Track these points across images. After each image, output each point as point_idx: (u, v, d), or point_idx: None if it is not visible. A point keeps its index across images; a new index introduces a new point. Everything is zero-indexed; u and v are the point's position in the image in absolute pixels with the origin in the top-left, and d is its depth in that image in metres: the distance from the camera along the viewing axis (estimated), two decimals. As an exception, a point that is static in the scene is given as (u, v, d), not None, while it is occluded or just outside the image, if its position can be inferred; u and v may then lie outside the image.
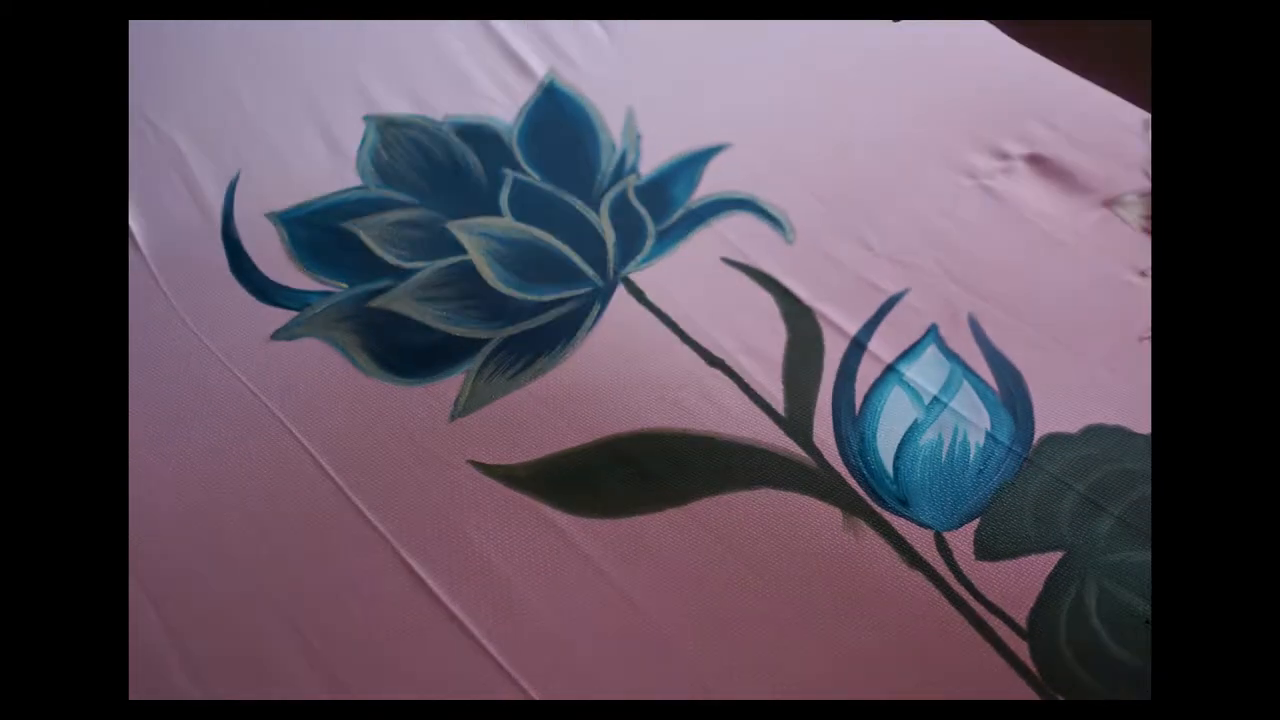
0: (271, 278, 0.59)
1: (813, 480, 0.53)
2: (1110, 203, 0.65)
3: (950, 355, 0.58)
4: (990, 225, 0.64)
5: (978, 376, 0.57)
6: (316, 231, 0.61)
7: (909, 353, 0.58)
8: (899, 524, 0.52)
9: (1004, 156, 0.68)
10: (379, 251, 0.60)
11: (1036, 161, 0.67)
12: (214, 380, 0.55)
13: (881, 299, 0.60)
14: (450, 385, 0.55)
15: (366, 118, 0.67)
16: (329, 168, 0.64)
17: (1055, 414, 0.56)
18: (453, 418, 0.54)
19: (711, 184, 0.65)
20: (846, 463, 0.54)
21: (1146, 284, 0.61)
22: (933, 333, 0.59)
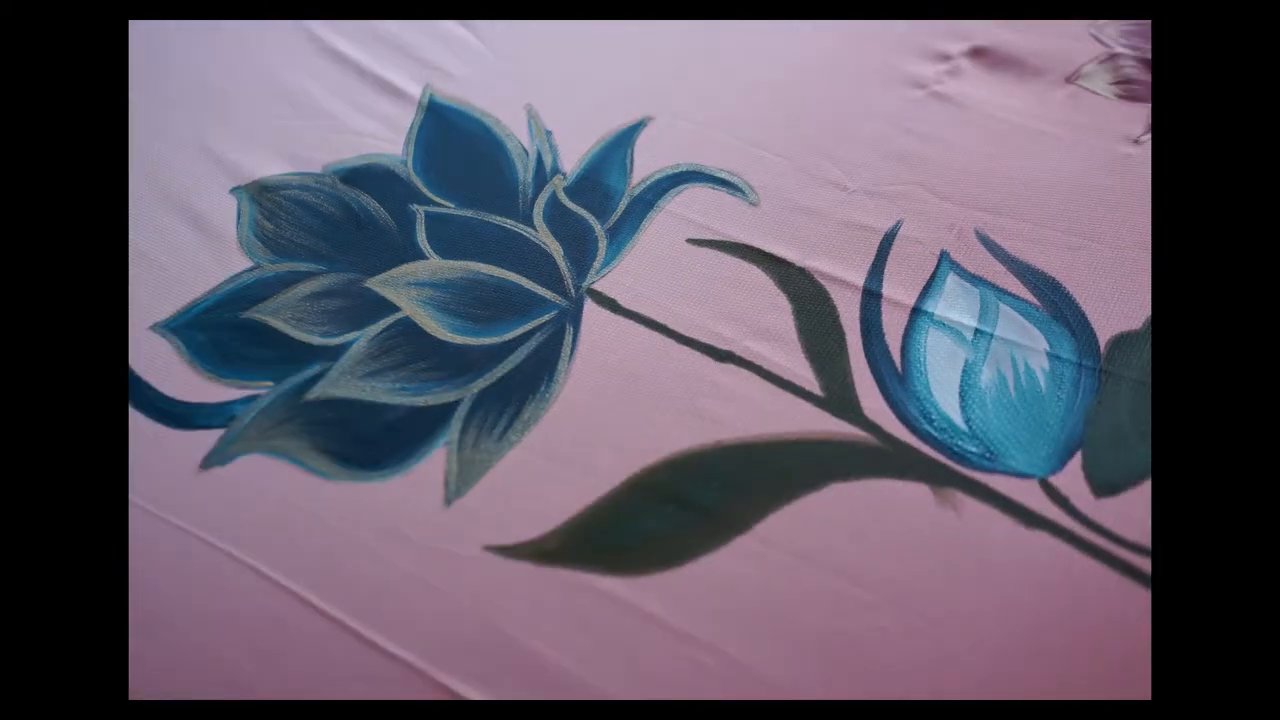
0: (178, 398, 0.48)
1: (882, 460, 0.45)
2: (1072, 78, 0.59)
3: (974, 279, 0.51)
4: (958, 132, 0.57)
5: (1012, 295, 0.50)
6: (216, 332, 0.50)
7: (929, 288, 0.51)
8: (996, 482, 0.44)
9: (945, 58, 0.61)
10: (297, 334, 0.50)
11: (980, 55, 0.61)
12: (149, 536, 0.44)
13: (876, 239, 0.53)
14: (433, 465, 0.46)
15: (235, 190, 0.56)
16: (207, 256, 0.54)
17: (1111, 313, 0.49)
18: (449, 501, 0.44)
19: (647, 164, 0.57)
20: (912, 429, 0.46)
21: (1143, 151, 0.55)
22: (945, 260, 0.52)
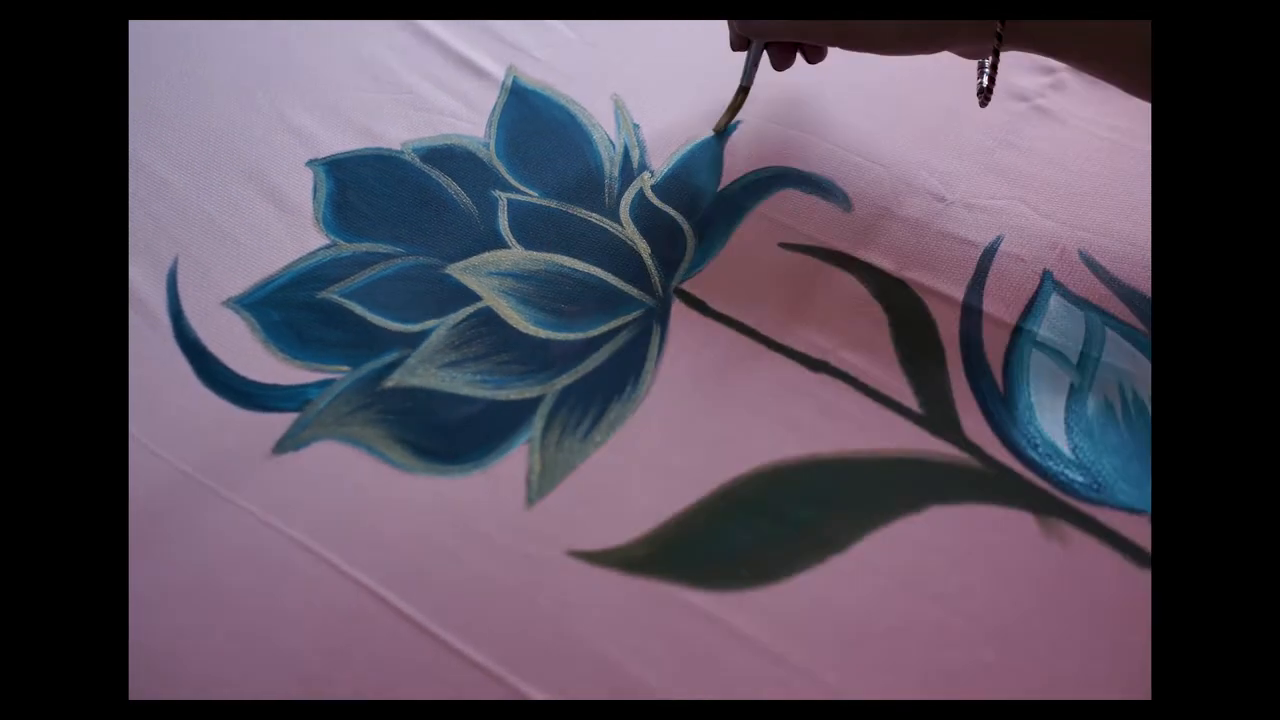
0: (253, 378, 0.46)
1: (985, 484, 0.43)
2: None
3: (1079, 301, 0.49)
4: (1060, 148, 0.56)
5: (1118, 320, 0.48)
6: (291, 311, 0.48)
7: (1032, 308, 0.49)
8: (1105, 515, 0.42)
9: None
10: (375, 319, 0.48)
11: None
12: (218, 523, 0.42)
13: (976, 253, 0.51)
14: (514, 462, 0.44)
15: (311, 163, 0.55)
16: (283, 231, 0.52)
17: (1223, 344, 0.47)
18: (530, 501, 0.42)
19: (737, 165, 0.55)
20: (1015, 453, 0.44)
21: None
22: (1048, 279, 0.50)
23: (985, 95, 0.48)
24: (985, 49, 0.46)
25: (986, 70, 0.48)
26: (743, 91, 0.56)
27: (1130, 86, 0.46)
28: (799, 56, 0.54)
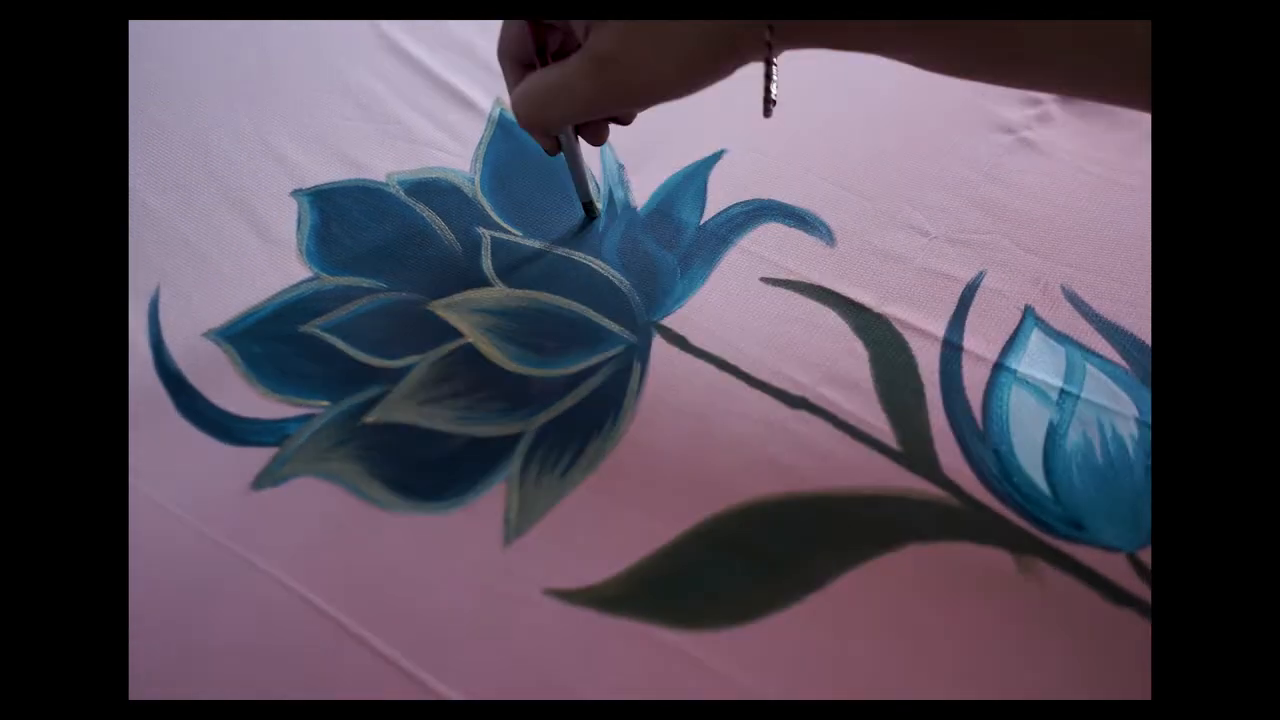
0: (232, 411, 0.46)
1: (961, 521, 0.43)
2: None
3: (1059, 337, 0.49)
4: (1045, 182, 0.56)
5: (1099, 356, 0.48)
6: (272, 344, 0.48)
7: (1012, 344, 0.49)
8: (1082, 554, 0.42)
9: (1035, 102, 0.59)
10: (356, 354, 0.48)
11: (1069, 102, 0.59)
12: (193, 558, 0.42)
13: (958, 288, 0.51)
14: (492, 500, 0.44)
15: (295, 193, 0.55)
16: (266, 261, 0.52)
17: (1204, 381, 0.46)
18: (508, 540, 0.43)
19: (720, 198, 0.55)
20: (993, 491, 0.44)
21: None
22: (1030, 315, 0.50)
23: (767, 105, 0.42)
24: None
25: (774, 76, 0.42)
26: (590, 209, 0.54)
27: (955, 69, 0.42)
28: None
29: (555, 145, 0.49)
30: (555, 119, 0.44)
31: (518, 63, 0.46)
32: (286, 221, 0.54)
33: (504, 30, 0.45)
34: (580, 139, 0.50)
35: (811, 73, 0.59)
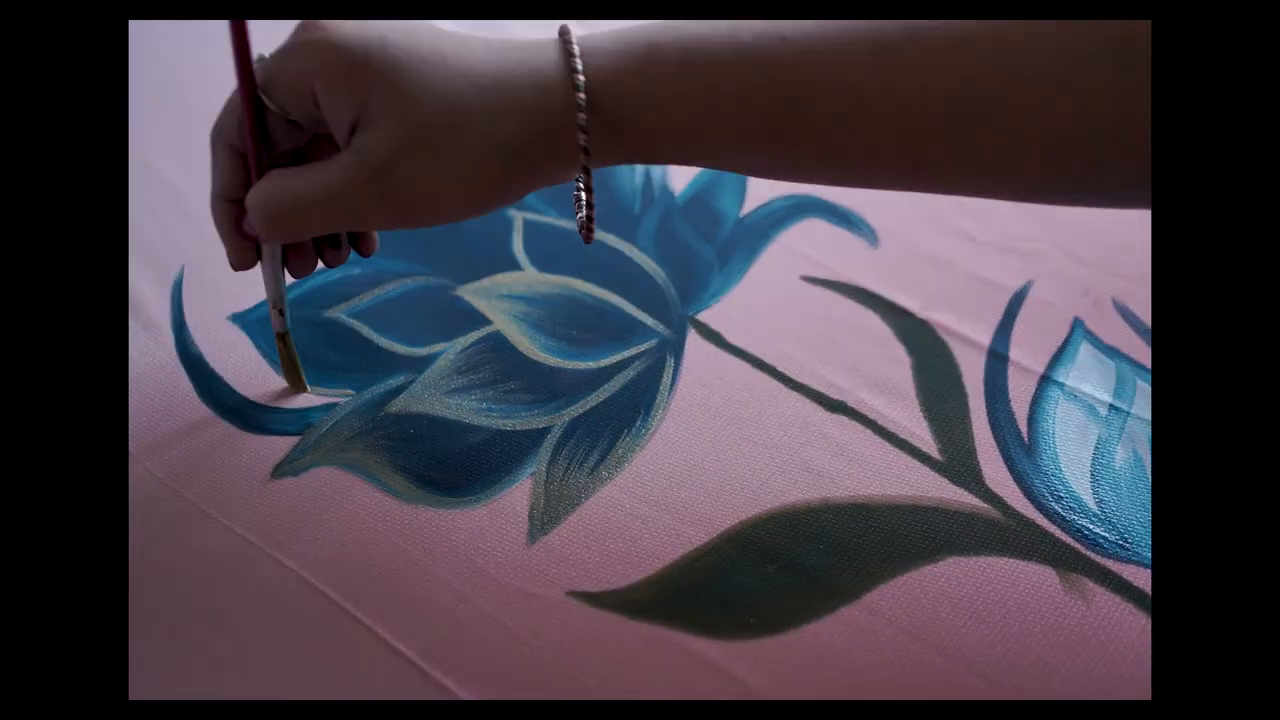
0: (254, 398, 0.45)
1: (1004, 536, 0.41)
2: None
3: (1109, 351, 0.47)
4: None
5: (1150, 370, 0.46)
6: (296, 329, 0.47)
7: (1060, 356, 0.47)
8: (1130, 573, 0.40)
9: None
10: (381, 340, 0.47)
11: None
12: (211, 548, 0.41)
13: (1005, 296, 0.49)
14: (517, 496, 0.42)
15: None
16: (293, 245, 0.50)
17: (1260, 400, 0.45)
18: (532, 538, 0.41)
19: (762, 190, 0.54)
20: (1038, 505, 0.42)
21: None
22: (1079, 327, 0.48)
23: (587, 229, 0.38)
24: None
25: (582, 196, 0.38)
26: (283, 340, 0.44)
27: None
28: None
29: (256, 256, 0.40)
30: (307, 233, 0.38)
31: (234, 150, 0.38)
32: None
33: (225, 108, 0.38)
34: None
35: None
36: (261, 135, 0.36)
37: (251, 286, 0.49)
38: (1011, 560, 0.41)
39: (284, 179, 0.36)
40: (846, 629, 0.39)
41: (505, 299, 0.48)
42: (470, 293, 0.49)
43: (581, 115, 0.34)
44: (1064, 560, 0.41)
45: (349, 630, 0.39)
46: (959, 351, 0.47)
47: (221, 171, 0.38)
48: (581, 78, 0.34)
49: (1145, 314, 0.48)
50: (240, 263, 0.40)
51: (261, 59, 0.36)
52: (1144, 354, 0.47)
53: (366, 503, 0.42)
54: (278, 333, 0.43)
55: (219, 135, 0.38)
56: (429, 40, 0.34)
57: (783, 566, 0.41)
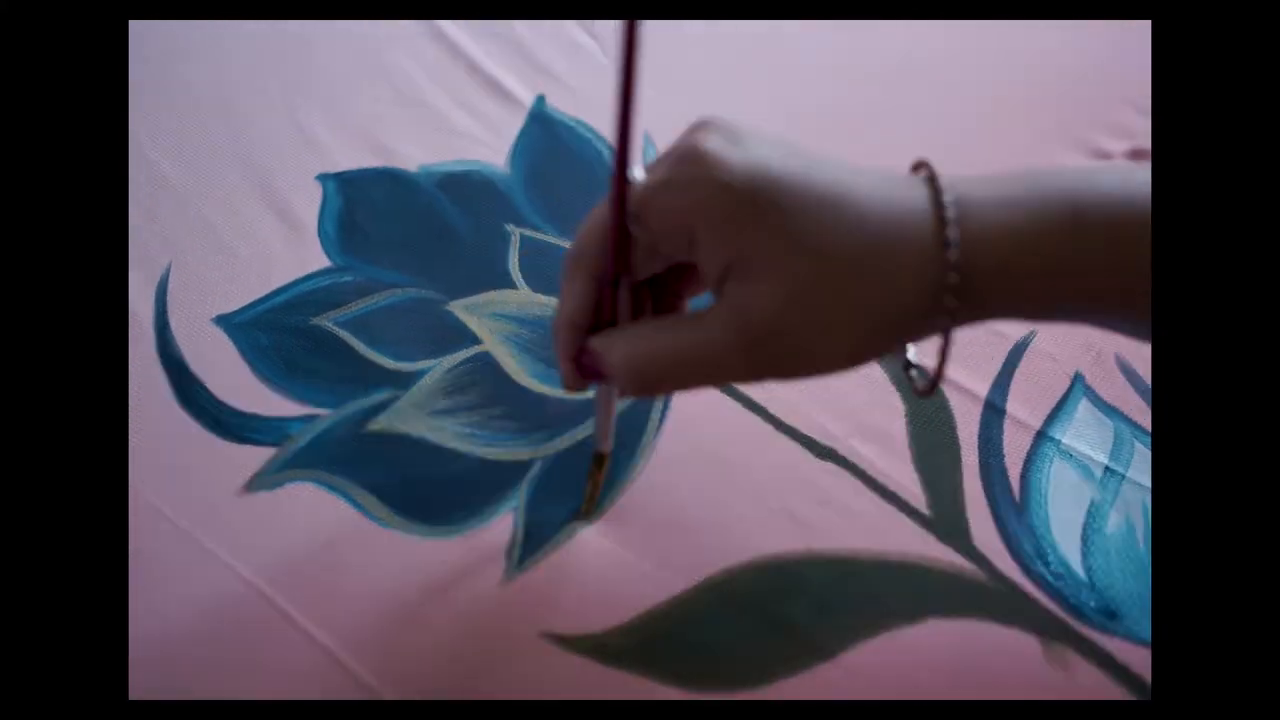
0: (232, 404, 0.44)
1: (989, 598, 0.41)
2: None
3: (1109, 410, 0.46)
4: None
5: (1149, 434, 0.45)
6: (281, 335, 0.46)
7: (1058, 412, 0.46)
8: (1115, 646, 0.39)
9: (1103, 156, 0.56)
10: (368, 353, 0.46)
11: (1140, 157, 0.56)
12: (176, 560, 0.40)
13: (1006, 346, 0.48)
14: (496, 531, 0.41)
15: (321, 177, 0.52)
16: (283, 247, 0.49)
17: (1258, 473, 0.44)
18: (509, 575, 0.40)
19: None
20: (1025, 569, 0.41)
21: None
22: (1079, 383, 0.47)
23: (931, 385, 0.33)
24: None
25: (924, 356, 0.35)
26: (599, 463, 0.41)
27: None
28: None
29: (588, 385, 0.37)
30: (679, 388, 0.34)
31: (593, 276, 0.34)
32: (309, 206, 0.51)
33: (588, 230, 0.34)
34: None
35: (893, 95, 0.57)
36: (624, 264, 0.33)
37: (238, 288, 0.47)
38: (994, 624, 0.40)
39: (653, 337, 0.33)
40: (822, 686, 0.39)
41: (497, 318, 0.47)
42: (462, 309, 0.48)
43: (953, 275, 0.29)
44: (1047, 628, 0.40)
45: (311, 655, 0.38)
46: (955, 402, 0.46)
47: (576, 297, 0.34)
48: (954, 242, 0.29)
49: (1147, 373, 0.47)
50: (574, 388, 0.37)
51: (633, 180, 0.31)
52: (1144, 415, 0.46)
53: (342, 525, 0.41)
54: (598, 452, 0.40)
55: (578, 260, 0.34)
56: (821, 177, 0.30)
57: (761, 619, 0.40)
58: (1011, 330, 0.48)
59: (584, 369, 0.35)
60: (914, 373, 0.34)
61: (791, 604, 0.40)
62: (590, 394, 0.44)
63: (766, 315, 0.30)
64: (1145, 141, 0.56)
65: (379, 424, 0.44)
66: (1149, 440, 0.45)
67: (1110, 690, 0.39)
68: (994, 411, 0.46)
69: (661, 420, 0.45)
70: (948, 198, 0.30)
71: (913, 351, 0.35)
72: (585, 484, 0.41)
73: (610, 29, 0.59)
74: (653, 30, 0.56)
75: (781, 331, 0.30)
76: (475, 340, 0.47)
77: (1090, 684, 0.39)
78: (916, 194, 0.30)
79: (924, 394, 0.33)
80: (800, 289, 0.29)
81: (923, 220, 0.30)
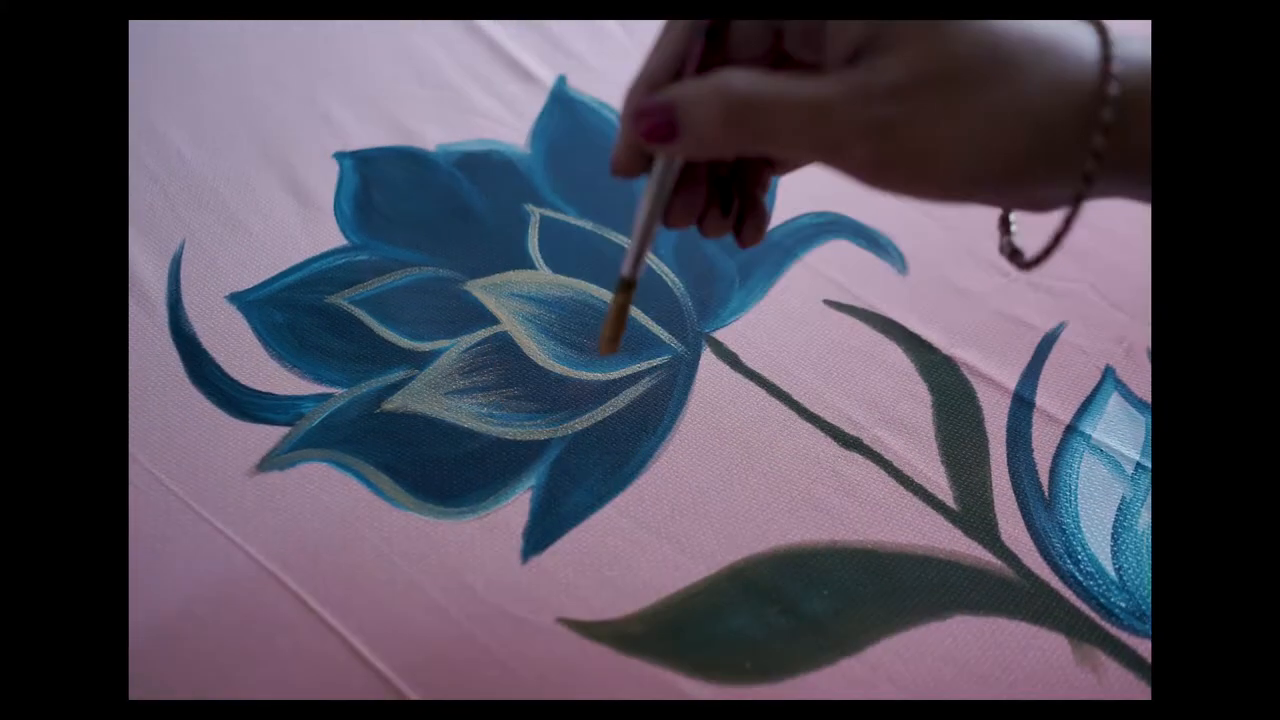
0: (245, 383, 0.43)
1: (1017, 597, 0.39)
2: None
3: (1140, 405, 0.45)
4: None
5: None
6: (296, 313, 0.45)
7: (1088, 406, 0.45)
8: (1146, 648, 0.38)
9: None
10: (384, 332, 0.45)
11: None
12: (188, 543, 0.39)
13: (1035, 338, 0.47)
14: (512, 511, 0.40)
15: (338, 155, 0.51)
16: (299, 224, 0.48)
17: (1293, 472, 0.43)
18: (525, 557, 0.39)
19: (790, 205, 0.51)
20: (1054, 567, 0.40)
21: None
22: (1110, 377, 0.46)
23: (1039, 257, 0.31)
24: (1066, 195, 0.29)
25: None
26: (626, 290, 0.33)
27: None
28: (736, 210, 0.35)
29: (646, 164, 0.31)
30: (757, 143, 0.28)
31: (690, 34, 0.30)
32: (325, 184, 0.50)
33: None
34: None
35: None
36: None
37: (252, 266, 0.46)
38: (1023, 624, 0.39)
39: (759, 74, 0.27)
40: (846, 682, 0.38)
41: (516, 298, 0.46)
42: (479, 288, 0.47)
43: (1114, 84, 0.26)
44: (1078, 629, 0.39)
45: (325, 641, 0.37)
46: (983, 393, 0.45)
47: (663, 52, 0.30)
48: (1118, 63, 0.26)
49: (1180, 369, 0.46)
50: (624, 167, 0.31)
51: None
52: (1176, 412, 0.45)
53: (355, 506, 0.40)
54: (624, 278, 0.33)
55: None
56: None
57: (783, 610, 0.39)
58: (1040, 321, 0.47)
59: (650, 126, 0.29)
60: (1013, 231, 0.31)
61: (815, 596, 0.39)
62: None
63: (898, 77, 0.26)
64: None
65: (394, 403, 0.43)
66: (1182, 436, 0.44)
67: (1139, 693, 0.38)
68: (1023, 404, 0.45)
69: (684, 402, 0.44)
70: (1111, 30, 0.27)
71: (1015, 224, 0.32)
72: (607, 312, 0.35)
73: (639, 24, 0.58)
74: (652, 30, 0.55)
75: (908, 97, 0.26)
76: (493, 320, 0.46)
77: (1121, 686, 0.38)
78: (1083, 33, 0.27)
79: (1026, 267, 0.31)
80: (942, 64, 0.26)
81: (1085, 34, 0.27)
